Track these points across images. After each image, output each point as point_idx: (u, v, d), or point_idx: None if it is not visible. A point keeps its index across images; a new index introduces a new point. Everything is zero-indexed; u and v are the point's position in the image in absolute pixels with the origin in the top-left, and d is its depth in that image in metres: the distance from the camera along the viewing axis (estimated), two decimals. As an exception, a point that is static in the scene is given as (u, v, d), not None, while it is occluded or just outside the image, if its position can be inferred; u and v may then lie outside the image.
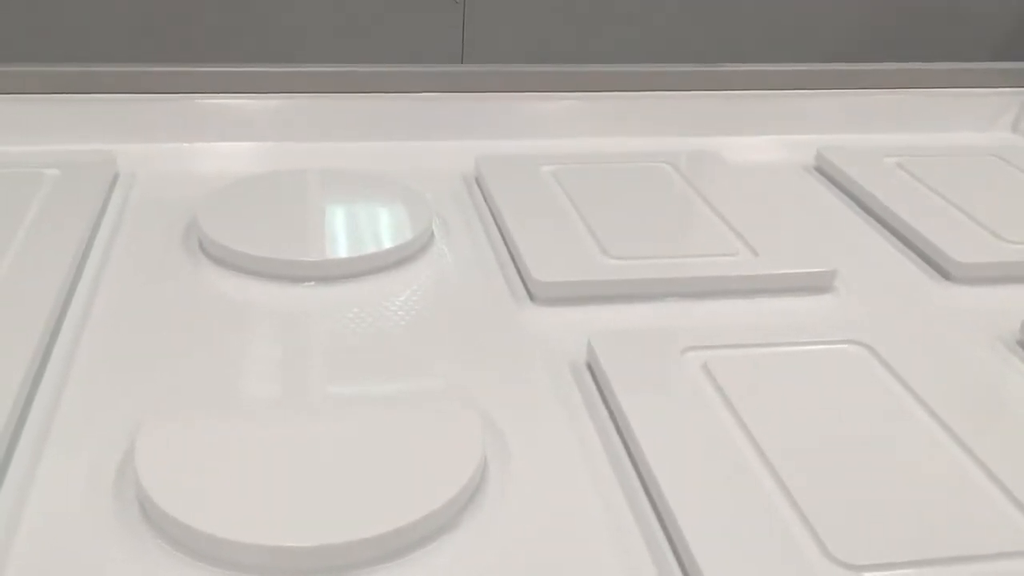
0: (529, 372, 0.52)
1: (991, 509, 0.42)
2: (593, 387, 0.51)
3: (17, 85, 0.75)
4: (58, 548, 0.40)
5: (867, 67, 0.88)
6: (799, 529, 0.41)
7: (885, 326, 0.56)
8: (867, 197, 0.72)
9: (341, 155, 0.76)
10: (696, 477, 0.43)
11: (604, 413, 0.49)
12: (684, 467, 0.44)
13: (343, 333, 0.54)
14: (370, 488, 0.41)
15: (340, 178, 0.70)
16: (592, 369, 0.51)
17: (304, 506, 0.40)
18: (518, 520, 0.42)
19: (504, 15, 1.34)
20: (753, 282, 0.60)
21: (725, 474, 0.43)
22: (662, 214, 0.67)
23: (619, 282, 0.59)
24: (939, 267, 0.64)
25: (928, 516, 0.42)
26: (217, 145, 0.77)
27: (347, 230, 0.64)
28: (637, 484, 0.44)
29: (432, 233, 0.64)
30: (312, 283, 0.59)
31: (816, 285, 0.61)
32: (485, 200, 0.70)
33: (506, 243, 0.64)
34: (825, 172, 0.78)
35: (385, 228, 0.64)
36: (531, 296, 0.58)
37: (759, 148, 0.83)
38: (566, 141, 0.80)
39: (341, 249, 0.61)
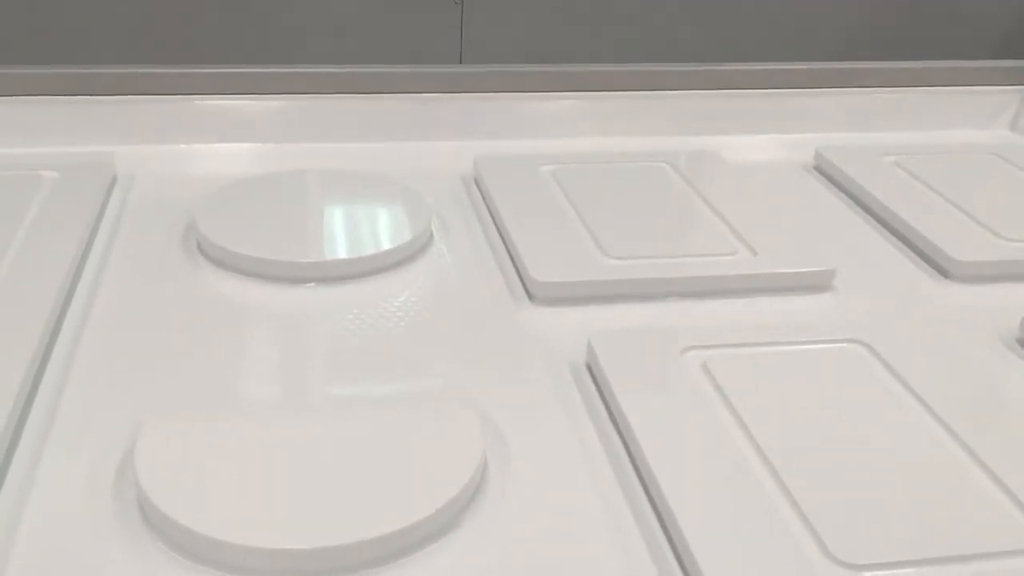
0: (529, 372, 0.52)
1: (991, 508, 0.42)
2: (593, 387, 0.50)
3: (15, 87, 0.75)
4: (57, 549, 0.40)
5: (866, 66, 0.88)
6: (799, 529, 0.41)
7: (884, 325, 0.56)
8: (866, 196, 0.72)
9: (340, 156, 0.76)
10: (696, 477, 0.43)
11: (604, 413, 0.49)
12: (684, 467, 0.44)
13: (342, 334, 0.54)
14: (370, 489, 0.41)
15: (339, 179, 0.70)
16: (592, 369, 0.51)
17: (304, 508, 0.40)
18: (518, 520, 0.42)
19: (504, 15, 1.34)
20: (752, 281, 0.60)
21: (725, 474, 0.43)
22: (661, 214, 0.67)
23: (618, 282, 0.59)
24: (938, 266, 0.64)
25: (928, 515, 0.42)
26: (215, 146, 0.77)
27: (346, 231, 0.64)
28: (637, 484, 0.44)
29: (431, 234, 0.64)
30: (311, 284, 0.59)
31: (815, 284, 0.61)
32: (484, 200, 0.70)
33: (505, 243, 0.64)
34: (824, 171, 0.78)
35: (384, 229, 0.64)
36: (530, 296, 0.58)
37: (758, 147, 0.83)
38: (565, 141, 0.80)
39: (340, 250, 0.61)
